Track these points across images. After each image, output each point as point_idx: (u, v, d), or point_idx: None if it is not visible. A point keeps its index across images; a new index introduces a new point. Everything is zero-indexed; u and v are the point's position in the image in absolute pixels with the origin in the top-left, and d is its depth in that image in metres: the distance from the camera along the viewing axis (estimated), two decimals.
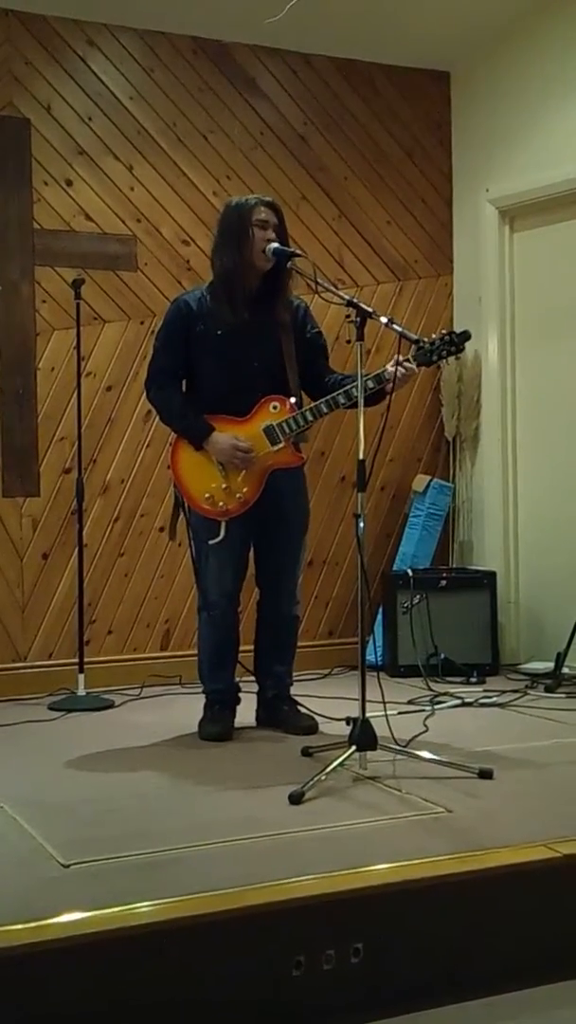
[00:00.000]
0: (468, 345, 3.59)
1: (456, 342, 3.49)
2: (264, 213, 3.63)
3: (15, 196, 4.66)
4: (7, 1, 4.58)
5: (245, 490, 3.68)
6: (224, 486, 3.67)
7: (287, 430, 3.66)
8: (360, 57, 5.24)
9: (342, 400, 3.57)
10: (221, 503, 3.68)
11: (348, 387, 3.55)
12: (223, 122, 5.02)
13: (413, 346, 3.47)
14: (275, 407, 3.68)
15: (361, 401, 3.29)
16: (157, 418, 4.04)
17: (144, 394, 3.89)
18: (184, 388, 3.80)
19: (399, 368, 3.46)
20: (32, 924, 2.16)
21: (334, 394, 3.59)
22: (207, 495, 3.68)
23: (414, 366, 3.50)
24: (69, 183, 4.76)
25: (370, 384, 3.46)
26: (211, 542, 3.69)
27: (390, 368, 3.48)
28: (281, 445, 3.67)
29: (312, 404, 3.64)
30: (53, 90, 4.73)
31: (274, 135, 5.12)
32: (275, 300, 3.71)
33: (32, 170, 4.68)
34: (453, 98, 5.46)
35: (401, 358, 3.46)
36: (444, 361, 4.35)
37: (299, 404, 3.68)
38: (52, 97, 4.73)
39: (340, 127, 5.25)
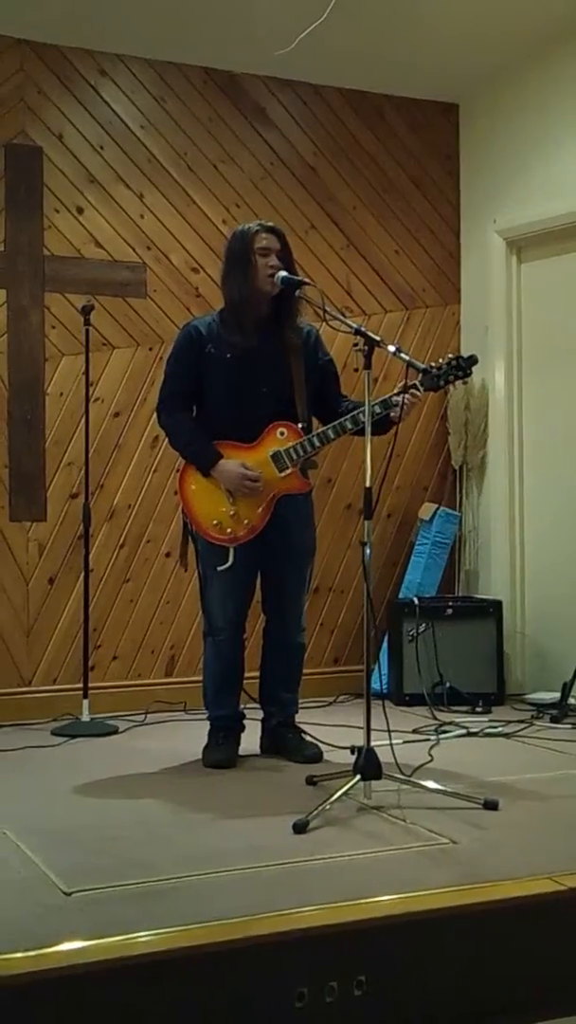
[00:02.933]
0: (475, 374, 3.61)
1: (463, 366, 3.51)
2: (265, 240, 3.66)
3: (26, 223, 4.70)
4: (21, 31, 4.64)
5: (253, 516, 3.68)
6: (232, 512, 3.67)
7: (294, 456, 3.66)
8: (369, 89, 5.29)
9: (349, 426, 3.58)
10: (229, 530, 3.68)
11: (355, 413, 3.56)
12: (233, 152, 5.06)
13: (420, 373, 3.48)
14: (282, 433, 3.69)
15: (368, 427, 3.29)
16: (164, 444, 4.06)
17: (152, 420, 3.91)
18: (194, 413, 3.82)
19: (405, 396, 3.47)
20: (33, 952, 2.14)
21: (341, 420, 3.61)
22: (215, 521, 3.69)
23: (419, 392, 3.52)
24: (80, 210, 4.80)
25: (377, 410, 3.48)
26: (220, 568, 3.69)
27: (396, 398, 3.50)
28: (288, 471, 3.67)
29: (319, 430, 3.65)
30: (65, 119, 4.78)
31: (284, 165, 5.16)
32: (284, 326, 3.73)
33: (43, 197, 4.72)
34: (461, 130, 5.51)
35: (408, 384, 3.47)
36: (451, 387, 4.40)
37: (307, 430, 3.69)
38: (64, 126, 4.78)
39: (349, 157, 5.29)
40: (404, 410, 3.50)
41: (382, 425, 3.54)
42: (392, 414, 3.52)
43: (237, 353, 3.69)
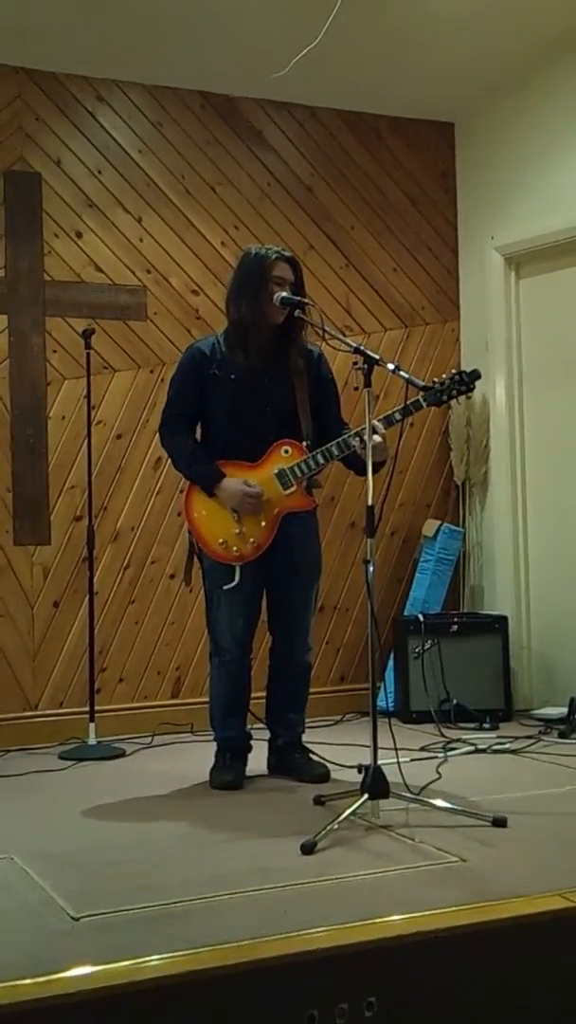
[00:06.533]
0: (476, 389, 3.61)
1: (466, 381, 3.51)
2: (283, 270, 3.66)
3: (26, 248, 4.73)
4: (18, 59, 4.68)
5: (259, 534, 3.68)
6: (238, 531, 3.68)
7: (299, 474, 3.67)
8: (365, 109, 5.33)
9: (353, 442, 3.58)
10: (235, 548, 3.68)
11: (359, 429, 3.56)
12: (231, 174, 5.09)
13: (421, 391, 3.49)
14: (287, 451, 3.70)
15: (369, 446, 3.29)
16: (168, 465, 4.07)
17: (155, 441, 3.93)
18: (198, 434, 3.83)
19: (370, 436, 3.33)
20: (41, 979, 2.13)
21: (345, 436, 3.61)
22: (221, 540, 3.69)
23: (423, 407, 3.52)
24: (79, 235, 4.83)
25: (380, 427, 3.48)
26: (226, 587, 3.69)
27: (359, 442, 3.45)
28: (293, 489, 3.68)
29: (323, 447, 3.65)
30: (63, 145, 4.81)
31: (281, 186, 5.19)
32: (288, 347, 3.74)
33: (43, 223, 4.75)
34: (457, 148, 5.54)
35: (411, 400, 3.47)
36: (455, 402, 4.41)
37: (312, 448, 3.69)
38: (62, 151, 4.81)
39: (346, 178, 5.32)
40: (373, 451, 3.32)
41: (358, 464, 3.50)
42: (360, 452, 3.41)
43: (241, 374, 3.70)
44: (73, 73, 4.80)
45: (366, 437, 3.31)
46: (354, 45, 4.57)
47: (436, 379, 3.52)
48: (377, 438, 3.42)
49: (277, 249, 3.73)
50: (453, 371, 3.56)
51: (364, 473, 3.33)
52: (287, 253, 3.73)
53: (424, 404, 3.53)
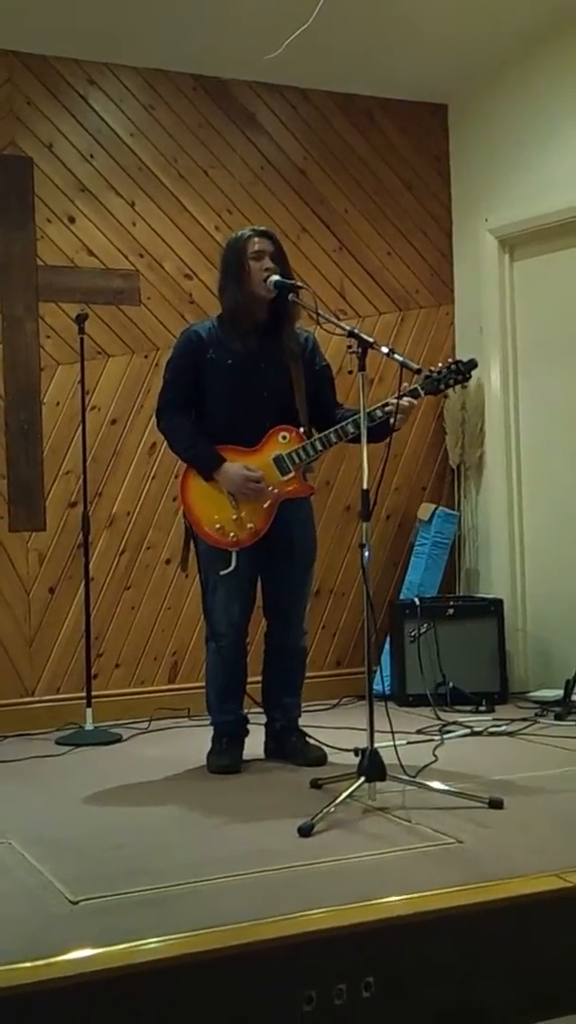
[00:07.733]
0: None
1: (463, 371, 3.52)
2: (258, 244, 3.67)
3: (18, 233, 4.71)
4: (9, 42, 4.65)
5: (256, 520, 3.68)
6: (235, 516, 3.67)
7: (296, 460, 3.67)
8: (358, 91, 5.30)
9: (351, 429, 3.57)
10: (232, 533, 3.68)
11: (356, 416, 3.55)
12: (224, 158, 5.07)
13: (417, 375, 3.48)
14: (284, 437, 3.70)
15: (364, 430, 3.29)
16: (163, 450, 4.06)
17: (150, 426, 3.92)
18: (194, 418, 3.82)
19: (400, 400, 3.47)
20: (40, 962, 2.14)
21: (343, 423, 3.61)
22: (217, 525, 3.69)
23: (418, 395, 3.52)
24: (72, 220, 4.81)
25: (377, 413, 3.48)
26: (222, 572, 3.69)
27: (392, 400, 3.50)
28: (291, 475, 3.68)
29: (321, 434, 3.65)
30: (55, 128, 4.78)
31: (274, 169, 5.17)
32: (282, 331, 3.74)
33: (35, 207, 4.73)
34: (451, 130, 5.52)
35: (408, 388, 3.47)
36: (451, 389, 4.41)
37: (309, 434, 3.69)
38: (54, 135, 4.78)
39: (339, 161, 5.30)
40: (399, 417, 3.50)
41: (380, 432, 3.54)
42: (391, 420, 3.52)
43: (238, 359, 3.70)
44: (64, 56, 4.77)
45: (361, 423, 3.31)
46: (346, 26, 4.55)
47: (432, 368, 3.52)
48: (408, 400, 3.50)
49: (251, 227, 3.76)
50: (450, 360, 3.56)
51: (383, 439, 3.47)
52: (260, 228, 3.75)
53: (422, 393, 3.52)
